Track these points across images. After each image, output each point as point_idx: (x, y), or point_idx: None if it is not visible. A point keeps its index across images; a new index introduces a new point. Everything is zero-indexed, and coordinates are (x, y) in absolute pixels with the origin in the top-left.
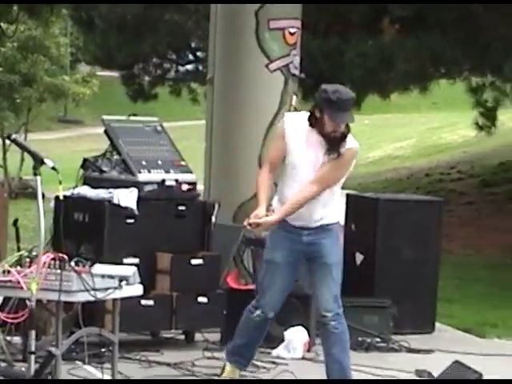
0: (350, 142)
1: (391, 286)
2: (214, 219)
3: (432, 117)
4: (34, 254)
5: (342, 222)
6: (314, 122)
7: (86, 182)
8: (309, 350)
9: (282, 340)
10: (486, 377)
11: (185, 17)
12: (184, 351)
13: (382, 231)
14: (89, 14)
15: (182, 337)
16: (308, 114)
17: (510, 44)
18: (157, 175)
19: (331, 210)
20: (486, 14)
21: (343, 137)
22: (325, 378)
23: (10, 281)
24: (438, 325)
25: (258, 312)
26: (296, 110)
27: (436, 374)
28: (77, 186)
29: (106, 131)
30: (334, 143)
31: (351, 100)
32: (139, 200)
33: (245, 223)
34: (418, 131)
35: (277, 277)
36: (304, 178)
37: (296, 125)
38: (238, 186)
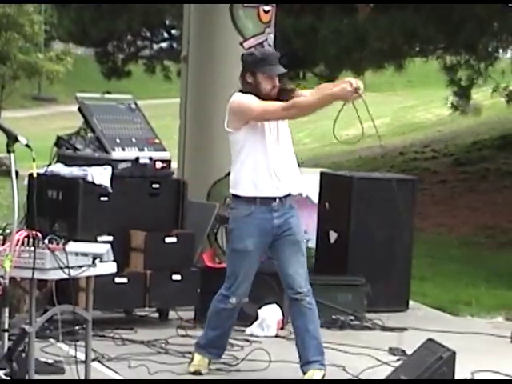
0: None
1: (365, 265)
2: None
3: (406, 95)
4: (7, 231)
5: (316, 200)
6: (250, 89)
7: (60, 159)
8: (282, 328)
9: (256, 318)
10: (458, 355)
11: None
12: (158, 329)
13: (355, 210)
14: None
15: (156, 315)
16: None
17: (484, 23)
18: (131, 153)
19: (296, 170)
20: None
21: (284, 89)
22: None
23: None
24: (411, 303)
25: (233, 300)
26: None
27: (409, 351)
28: (50, 164)
29: (79, 109)
30: (280, 99)
31: (277, 54)
32: (113, 178)
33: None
34: (393, 110)
35: (251, 265)
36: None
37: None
38: (212, 164)
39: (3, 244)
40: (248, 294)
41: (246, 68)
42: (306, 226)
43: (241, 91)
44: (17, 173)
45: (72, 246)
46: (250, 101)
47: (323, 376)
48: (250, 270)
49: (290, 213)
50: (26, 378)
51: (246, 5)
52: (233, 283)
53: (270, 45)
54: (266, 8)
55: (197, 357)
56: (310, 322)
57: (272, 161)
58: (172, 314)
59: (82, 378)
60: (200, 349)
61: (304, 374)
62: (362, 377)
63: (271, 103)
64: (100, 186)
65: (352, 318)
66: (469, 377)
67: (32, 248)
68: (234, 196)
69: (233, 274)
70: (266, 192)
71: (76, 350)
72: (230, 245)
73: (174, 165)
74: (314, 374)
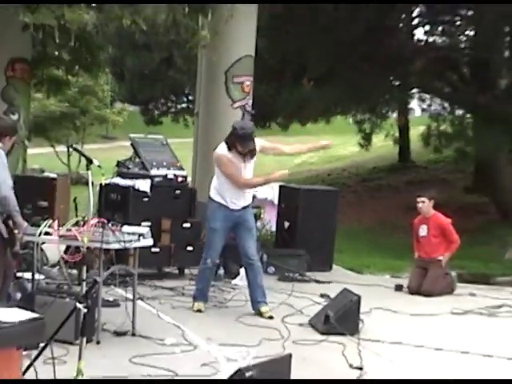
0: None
1: (306, 242)
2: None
3: (331, 138)
4: (86, 219)
5: (276, 202)
6: (230, 144)
7: (119, 174)
8: None
9: (238, 273)
10: (362, 298)
11: (181, 74)
12: (178, 280)
13: (301, 208)
14: (121, 69)
15: (177, 271)
16: (225, 143)
17: (380, 96)
18: (162, 171)
19: (249, 196)
20: (370, 75)
21: (251, 152)
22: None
23: (71, 235)
24: (334, 266)
25: (209, 261)
26: None
27: (332, 296)
28: (113, 177)
29: (131, 144)
30: (247, 156)
31: (252, 134)
32: (151, 187)
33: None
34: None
35: (218, 238)
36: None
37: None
38: (211, 180)
39: (83, 226)
40: (219, 257)
41: (233, 134)
42: (270, 217)
43: (226, 141)
44: (92, 183)
45: (125, 228)
46: (226, 164)
47: (268, 310)
48: (219, 242)
49: (246, 210)
50: (96, 310)
51: (234, 81)
52: (208, 250)
53: (249, 106)
54: (247, 83)
55: (195, 304)
56: (258, 276)
57: (234, 188)
58: (186, 271)
59: (130, 311)
60: (195, 299)
61: (254, 310)
62: (305, 312)
63: (236, 176)
64: (143, 191)
65: (297, 275)
66: (368, 311)
67: (101, 229)
68: (210, 197)
69: (208, 244)
70: (228, 204)
71: (126, 292)
72: (206, 225)
73: (189, 179)
74: (262, 308)
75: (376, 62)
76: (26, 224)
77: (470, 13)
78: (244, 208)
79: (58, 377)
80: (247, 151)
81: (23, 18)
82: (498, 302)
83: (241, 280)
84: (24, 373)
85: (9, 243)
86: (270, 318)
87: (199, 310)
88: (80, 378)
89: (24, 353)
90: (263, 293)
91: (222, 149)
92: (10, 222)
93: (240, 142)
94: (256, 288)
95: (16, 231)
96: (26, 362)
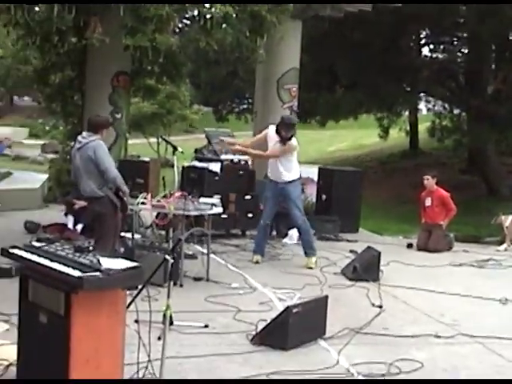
0: (292, 141)
1: (338, 211)
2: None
3: (357, 131)
4: (171, 192)
5: (316, 180)
6: (278, 129)
7: (197, 159)
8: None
9: (287, 234)
10: (382, 254)
11: (243, 82)
12: (241, 239)
13: (335, 185)
14: (198, 80)
15: (240, 233)
16: (275, 127)
17: (396, 98)
18: (229, 156)
19: (289, 172)
20: (387, 83)
21: (287, 138)
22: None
23: (161, 205)
24: (360, 229)
25: (262, 222)
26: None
27: (359, 251)
28: (192, 161)
29: (206, 136)
30: (283, 140)
31: (294, 124)
32: (221, 168)
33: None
34: (352, 138)
35: (268, 204)
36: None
37: (270, 131)
38: (267, 163)
39: (170, 197)
40: (271, 219)
41: (281, 122)
42: (311, 192)
43: (276, 125)
44: (177, 165)
45: (202, 200)
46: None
47: (316, 258)
48: (268, 207)
49: (288, 184)
50: (179, 261)
51: (284, 87)
52: (262, 214)
53: (295, 107)
54: (294, 89)
55: (254, 256)
56: (303, 235)
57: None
58: (247, 233)
59: (205, 262)
60: (254, 253)
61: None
62: (338, 263)
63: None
64: (215, 172)
65: (332, 236)
66: (386, 263)
67: (183, 200)
68: (266, 174)
69: (263, 209)
70: (272, 179)
71: (202, 248)
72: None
73: (249, 162)
74: (306, 259)
75: (392, 72)
76: (128, 189)
77: (465, 35)
78: (286, 183)
79: (152, 310)
80: (286, 137)
81: (125, 42)
82: (486, 257)
83: (289, 239)
84: (127, 307)
85: (121, 209)
86: (310, 268)
87: (257, 262)
88: (168, 311)
89: (127, 292)
90: (311, 246)
91: (271, 128)
92: (121, 194)
93: (284, 128)
94: (303, 243)
95: (125, 199)
96: (129, 299)
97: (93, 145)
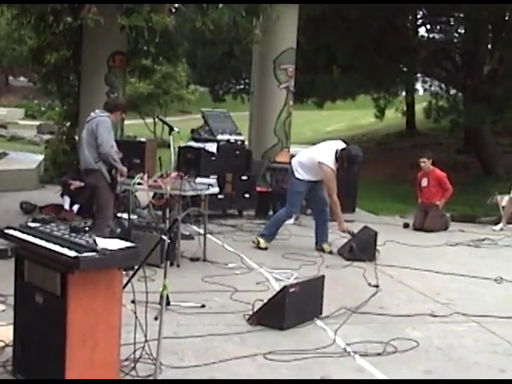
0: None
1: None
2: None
3: (354, 112)
4: (168, 173)
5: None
6: (338, 159)
7: (193, 139)
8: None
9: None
10: (379, 234)
11: (240, 63)
12: (237, 219)
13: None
14: (194, 60)
15: (237, 212)
16: (337, 157)
17: (392, 80)
18: (226, 137)
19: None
20: (384, 63)
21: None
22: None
23: (157, 185)
24: (357, 209)
25: (291, 216)
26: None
27: (355, 231)
28: (188, 141)
29: (202, 116)
30: (338, 170)
31: (359, 161)
32: (217, 148)
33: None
34: (349, 119)
35: (301, 198)
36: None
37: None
38: (264, 143)
39: (166, 178)
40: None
41: (346, 155)
42: None
43: (336, 156)
44: (173, 146)
45: (198, 180)
46: (333, 180)
47: (328, 246)
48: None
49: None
50: (176, 241)
51: (281, 67)
52: (291, 207)
53: (291, 87)
54: (290, 69)
55: (262, 242)
56: (327, 221)
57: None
58: (244, 213)
59: (202, 242)
60: (264, 237)
61: (317, 245)
62: (334, 243)
63: (334, 189)
64: (211, 152)
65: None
66: (382, 243)
67: (179, 180)
68: (297, 177)
69: (293, 202)
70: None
71: (199, 228)
72: (293, 188)
73: (246, 142)
74: (324, 245)
75: (389, 53)
76: (125, 169)
77: (462, 15)
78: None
79: (148, 291)
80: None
81: (121, 21)
82: (482, 236)
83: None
84: (124, 287)
85: (111, 186)
86: (330, 252)
87: (265, 248)
88: (165, 292)
89: (123, 272)
90: (327, 234)
91: (332, 163)
92: (113, 172)
93: (350, 164)
94: (324, 229)
95: (118, 177)
96: (125, 279)
97: (99, 119)
